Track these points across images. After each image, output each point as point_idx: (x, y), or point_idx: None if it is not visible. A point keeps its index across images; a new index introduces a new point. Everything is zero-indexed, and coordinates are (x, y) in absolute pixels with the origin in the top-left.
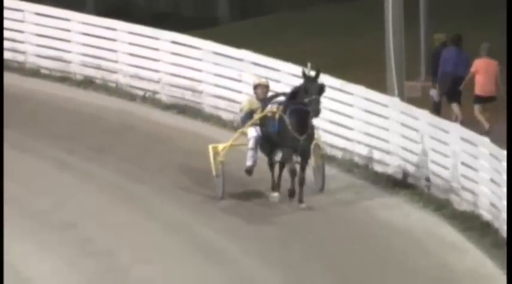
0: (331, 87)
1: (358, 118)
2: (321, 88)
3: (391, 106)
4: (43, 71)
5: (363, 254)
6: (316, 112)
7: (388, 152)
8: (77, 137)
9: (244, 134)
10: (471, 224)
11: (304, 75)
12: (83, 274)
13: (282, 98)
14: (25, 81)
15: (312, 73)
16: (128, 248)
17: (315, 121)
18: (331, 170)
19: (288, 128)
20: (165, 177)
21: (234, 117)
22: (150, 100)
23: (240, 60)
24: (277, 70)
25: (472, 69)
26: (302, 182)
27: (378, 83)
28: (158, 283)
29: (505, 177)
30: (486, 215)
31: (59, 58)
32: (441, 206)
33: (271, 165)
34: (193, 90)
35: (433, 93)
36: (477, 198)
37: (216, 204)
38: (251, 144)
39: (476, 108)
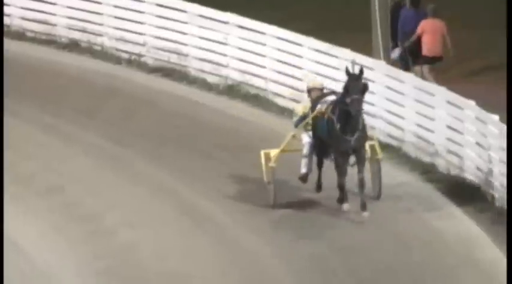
0: (317, 50)
1: (342, 81)
2: (364, 88)
3: (377, 69)
4: (28, 34)
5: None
6: (357, 113)
7: (373, 115)
8: (62, 100)
9: (297, 138)
10: (457, 188)
11: (348, 73)
12: (70, 238)
13: (332, 97)
14: (10, 44)
15: (355, 71)
16: (114, 212)
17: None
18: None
19: (336, 129)
20: (150, 140)
21: (219, 80)
22: (136, 63)
23: (226, 23)
24: (263, 33)
25: (419, 31)
26: (362, 185)
27: (364, 47)
28: (144, 247)
29: (491, 140)
30: (472, 179)
31: (44, 21)
32: (427, 170)
33: (320, 164)
34: (179, 53)
35: (394, 53)
36: (463, 161)
37: (201, 167)
38: (305, 150)
39: (425, 68)
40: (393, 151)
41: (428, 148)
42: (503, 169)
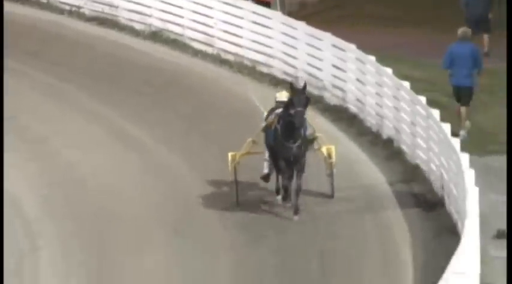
0: (224, 2)
1: (247, 29)
2: (306, 101)
3: (274, 18)
4: None
5: (244, 130)
6: (300, 123)
7: (271, 56)
8: (13, 43)
9: (256, 143)
10: (340, 116)
11: (292, 88)
12: (21, 157)
13: (280, 109)
14: None
15: (299, 86)
16: (58, 136)
17: None
18: (224, 72)
19: (279, 137)
20: (89, 77)
21: (144, 28)
22: (76, 14)
23: None
24: None
25: None
26: (297, 190)
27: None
28: (84, 165)
29: (368, 77)
30: (352, 108)
31: None
32: (316, 101)
33: (276, 170)
34: (111, 5)
35: None
36: (345, 94)
37: (132, 99)
38: (267, 154)
39: None
40: (288, 86)
41: (317, 83)
42: (379, 100)
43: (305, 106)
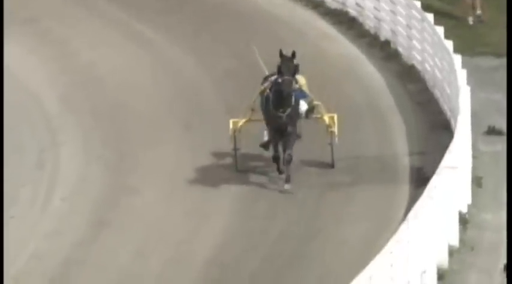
0: None
1: None
2: (295, 69)
3: None
4: None
5: (258, 42)
6: (288, 92)
7: None
8: None
9: (255, 111)
10: (340, 19)
11: (281, 55)
12: (43, 58)
13: (275, 76)
14: None
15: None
16: (78, 38)
17: None
18: None
19: (269, 105)
20: None
21: None
22: None
23: None
24: None
25: None
26: (288, 160)
27: None
28: (102, 64)
29: None
30: (352, 12)
31: None
32: (317, 5)
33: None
34: None
35: None
36: None
37: (150, 3)
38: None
39: None
40: None
41: None
42: (376, 4)
43: (293, 74)
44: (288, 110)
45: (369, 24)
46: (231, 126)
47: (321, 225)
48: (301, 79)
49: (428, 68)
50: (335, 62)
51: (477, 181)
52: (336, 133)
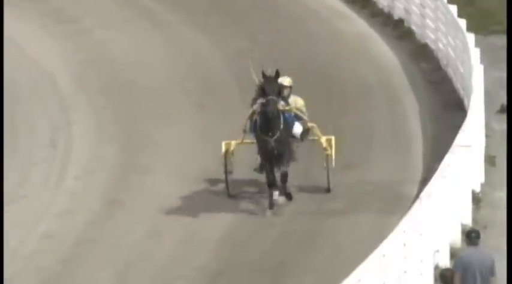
0: None
1: None
2: (279, 89)
3: None
4: None
5: (270, 20)
6: (272, 114)
7: None
8: None
9: (245, 132)
10: None
11: (264, 75)
12: (56, 36)
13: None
14: None
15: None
16: (90, 17)
17: None
18: None
19: (257, 129)
20: None
21: None
22: None
23: None
24: None
25: None
26: (283, 177)
27: None
28: (114, 43)
29: None
30: None
31: None
32: None
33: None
34: None
35: None
36: None
37: None
38: None
39: None
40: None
41: None
42: None
43: (278, 94)
44: (277, 134)
45: (383, 3)
46: (223, 148)
47: (334, 204)
48: (298, 100)
49: (442, 47)
50: (348, 41)
51: (490, 160)
52: (333, 156)
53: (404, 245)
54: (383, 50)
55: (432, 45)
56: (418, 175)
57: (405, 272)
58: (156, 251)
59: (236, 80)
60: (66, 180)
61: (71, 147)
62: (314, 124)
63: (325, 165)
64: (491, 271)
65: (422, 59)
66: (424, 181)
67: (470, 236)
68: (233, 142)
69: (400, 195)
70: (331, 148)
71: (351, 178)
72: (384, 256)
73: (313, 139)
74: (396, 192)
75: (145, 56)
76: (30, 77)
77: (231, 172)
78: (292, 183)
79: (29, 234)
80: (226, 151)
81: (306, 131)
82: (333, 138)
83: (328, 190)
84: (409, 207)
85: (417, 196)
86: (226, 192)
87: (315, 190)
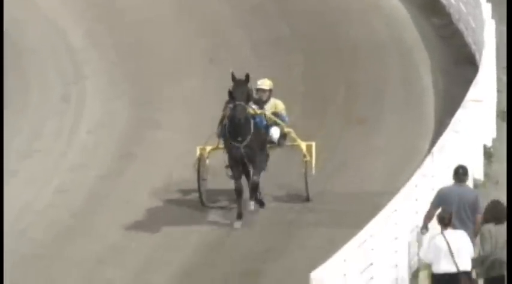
0: None
1: None
2: (248, 94)
3: None
4: None
5: None
6: (239, 120)
7: None
8: None
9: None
10: None
11: (233, 79)
12: (85, 19)
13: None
14: None
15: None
16: None
17: None
18: None
19: (227, 135)
20: None
21: None
22: None
23: None
24: None
25: None
26: (253, 187)
27: None
28: (149, 23)
29: None
30: None
31: None
32: None
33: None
34: None
35: None
36: None
37: None
38: None
39: None
40: None
41: None
42: None
43: (247, 99)
44: (247, 139)
45: None
46: (197, 153)
47: (346, 158)
48: (279, 104)
49: (453, 2)
50: (373, 13)
51: (502, 115)
52: (313, 164)
53: (416, 200)
54: (394, 4)
55: (444, 0)
56: (430, 129)
57: (417, 226)
58: (167, 207)
59: (248, 35)
60: (79, 135)
61: (83, 102)
62: (290, 130)
63: (303, 171)
64: (474, 208)
65: (433, 14)
66: (436, 135)
67: (458, 172)
68: (208, 148)
69: (412, 149)
70: (311, 155)
71: (361, 131)
72: (395, 210)
73: (292, 145)
74: (407, 146)
75: (156, 14)
76: (44, 32)
77: (205, 180)
78: (266, 191)
79: (42, 188)
80: (200, 157)
81: (283, 136)
82: (313, 144)
83: (307, 198)
84: (421, 162)
85: (429, 151)
86: (199, 200)
87: (291, 199)
